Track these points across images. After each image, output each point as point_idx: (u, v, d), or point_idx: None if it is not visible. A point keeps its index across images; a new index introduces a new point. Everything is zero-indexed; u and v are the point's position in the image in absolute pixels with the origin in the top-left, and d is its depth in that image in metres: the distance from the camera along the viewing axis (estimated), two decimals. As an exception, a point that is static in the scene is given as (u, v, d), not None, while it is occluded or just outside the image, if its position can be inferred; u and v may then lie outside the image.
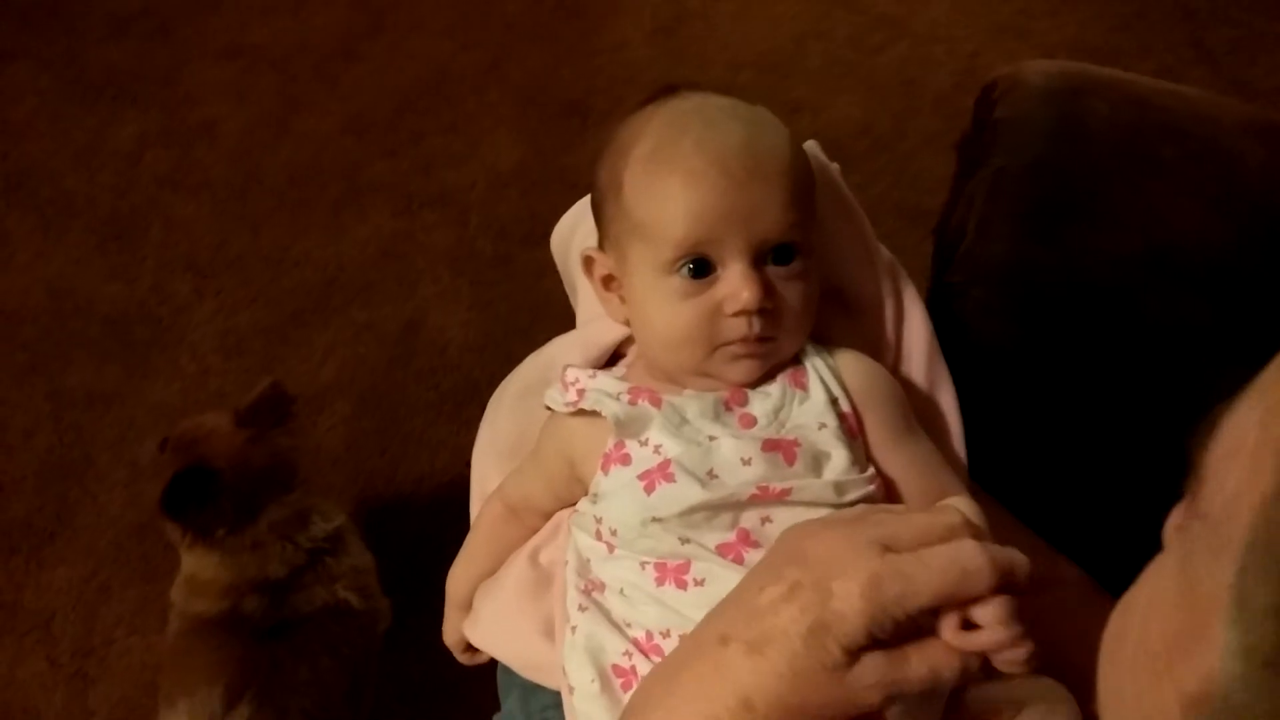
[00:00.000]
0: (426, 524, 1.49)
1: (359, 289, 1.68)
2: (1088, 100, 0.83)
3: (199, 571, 1.17)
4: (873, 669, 0.47)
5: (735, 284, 0.63)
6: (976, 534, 0.49)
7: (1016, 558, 0.47)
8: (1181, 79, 1.92)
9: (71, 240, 1.73)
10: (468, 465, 1.50)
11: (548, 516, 0.76)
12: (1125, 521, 0.75)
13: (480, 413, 1.54)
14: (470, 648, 0.81)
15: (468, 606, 0.80)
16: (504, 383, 0.85)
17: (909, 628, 0.47)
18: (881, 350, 0.76)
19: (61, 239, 1.73)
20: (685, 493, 0.61)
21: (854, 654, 0.46)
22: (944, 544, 0.48)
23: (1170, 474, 0.75)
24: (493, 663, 0.81)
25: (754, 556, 0.60)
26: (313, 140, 1.82)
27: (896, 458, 0.66)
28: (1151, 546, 0.74)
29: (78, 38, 1.94)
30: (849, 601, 0.46)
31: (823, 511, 0.62)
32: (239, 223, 1.74)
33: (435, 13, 1.97)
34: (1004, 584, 0.46)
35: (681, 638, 0.61)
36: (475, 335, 1.64)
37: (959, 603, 0.46)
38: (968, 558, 0.46)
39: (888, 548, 0.48)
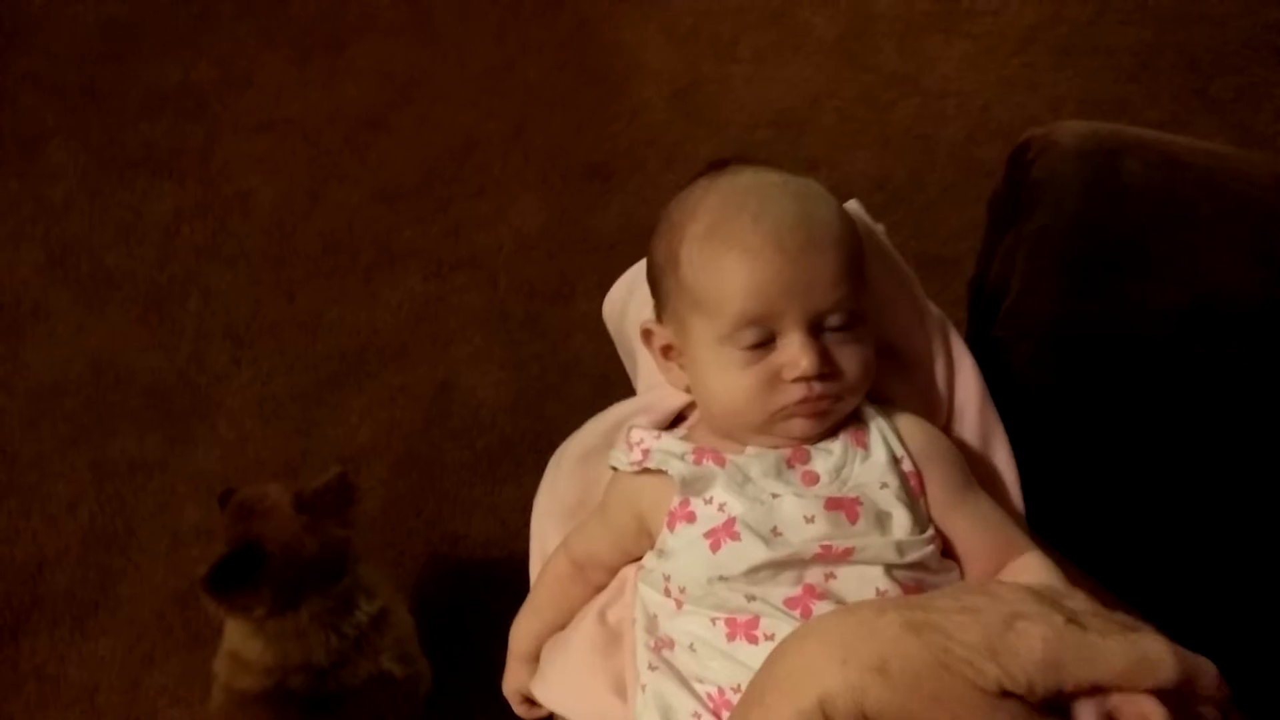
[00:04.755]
0: (464, 585, 1.51)
1: (393, 352, 1.71)
2: (1122, 160, 0.86)
3: (242, 650, 1.17)
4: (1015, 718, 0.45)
5: (794, 353, 0.66)
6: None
7: (1204, 665, 0.45)
8: (1188, 127, 1.96)
9: (112, 313, 1.76)
10: (502, 525, 1.54)
11: (613, 572, 0.77)
12: (1182, 565, 0.77)
13: (513, 471, 1.58)
14: (530, 700, 0.82)
15: (531, 659, 0.81)
16: (563, 446, 0.87)
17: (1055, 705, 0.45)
18: (935, 405, 0.78)
19: (102, 312, 1.76)
20: (750, 551, 0.63)
21: (1003, 693, 0.45)
22: (1129, 630, 0.47)
23: (1223, 517, 0.77)
24: (550, 720, 0.82)
25: (821, 608, 0.62)
26: (344, 209, 1.87)
27: (960, 516, 0.68)
28: (1209, 588, 0.76)
29: (115, 116, 1.99)
30: (1026, 640, 0.45)
31: (879, 570, 0.64)
32: (274, 291, 1.78)
33: (460, 84, 2.02)
34: (1185, 685, 0.44)
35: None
36: (507, 395, 1.66)
37: (1131, 689, 0.44)
38: (1151, 646, 0.45)
39: (1075, 621, 0.47)
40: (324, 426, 1.64)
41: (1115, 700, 0.44)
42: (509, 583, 0.87)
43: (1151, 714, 0.43)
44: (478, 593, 1.49)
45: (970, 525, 0.68)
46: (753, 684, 0.51)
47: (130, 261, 1.81)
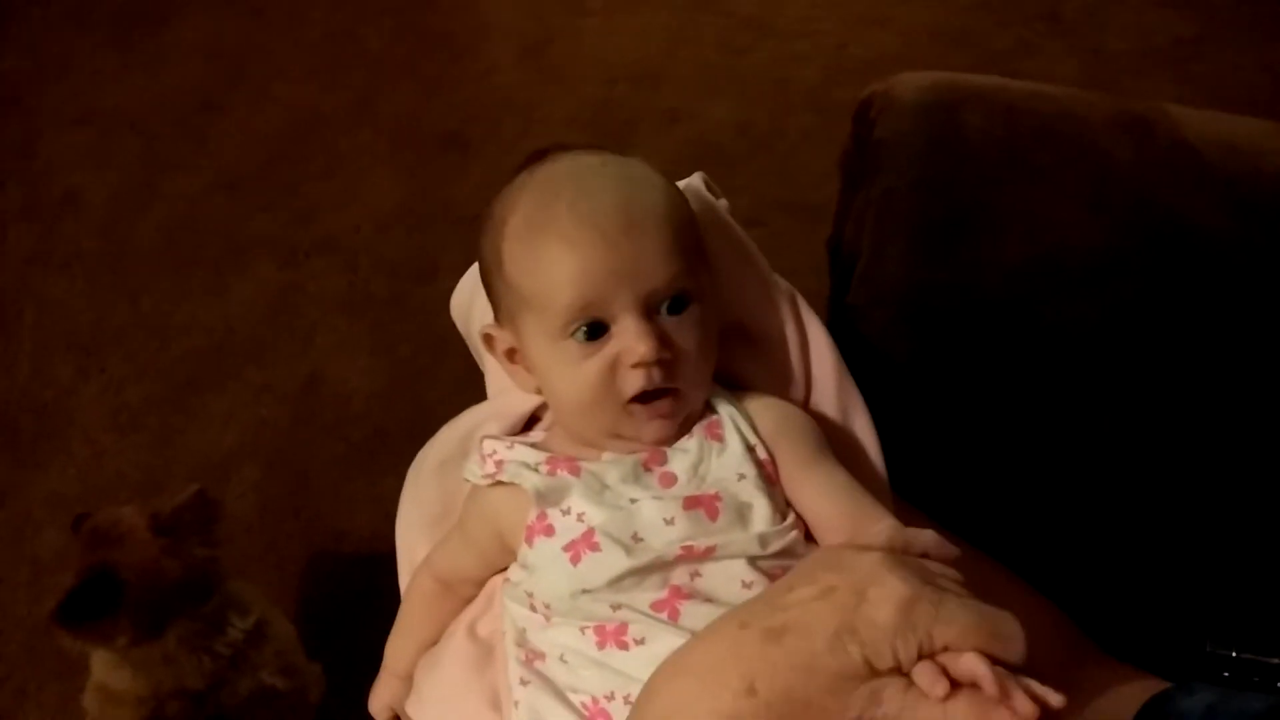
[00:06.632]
0: (350, 581, 1.46)
1: (252, 348, 1.64)
2: (961, 113, 0.86)
3: (110, 682, 1.11)
4: (890, 693, 0.45)
5: (629, 339, 0.64)
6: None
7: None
8: (1039, 50, 2.00)
9: (-62, 334, 1.64)
10: (387, 517, 1.47)
11: (481, 585, 0.75)
12: (1041, 526, 0.78)
13: (393, 462, 1.51)
14: (397, 718, 0.79)
15: (406, 676, 0.78)
16: (421, 453, 0.84)
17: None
18: (790, 381, 0.77)
19: (-73, 334, 1.64)
20: (611, 561, 0.62)
21: (875, 670, 0.45)
22: (982, 602, 0.47)
23: (1078, 470, 0.78)
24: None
25: (689, 608, 0.61)
26: (184, 200, 1.77)
27: (809, 486, 0.66)
28: (1068, 546, 0.77)
29: (-83, 118, 1.84)
30: (882, 609, 0.45)
31: (743, 563, 0.62)
32: (116, 294, 1.68)
33: (296, 56, 1.92)
34: (1026, 663, 0.46)
35: (627, 700, 0.61)
36: (379, 382, 1.61)
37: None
38: (1005, 620, 0.46)
39: (928, 583, 0.47)
40: (186, 434, 1.57)
41: (944, 658, 0.45)
42: (398, 578, 0.83)
43: (980, 674, 0.44)
44: (367, 589, 1.44)
45: (818, 494, 0.66)
46: None
47: (-48, 277, 1.69)
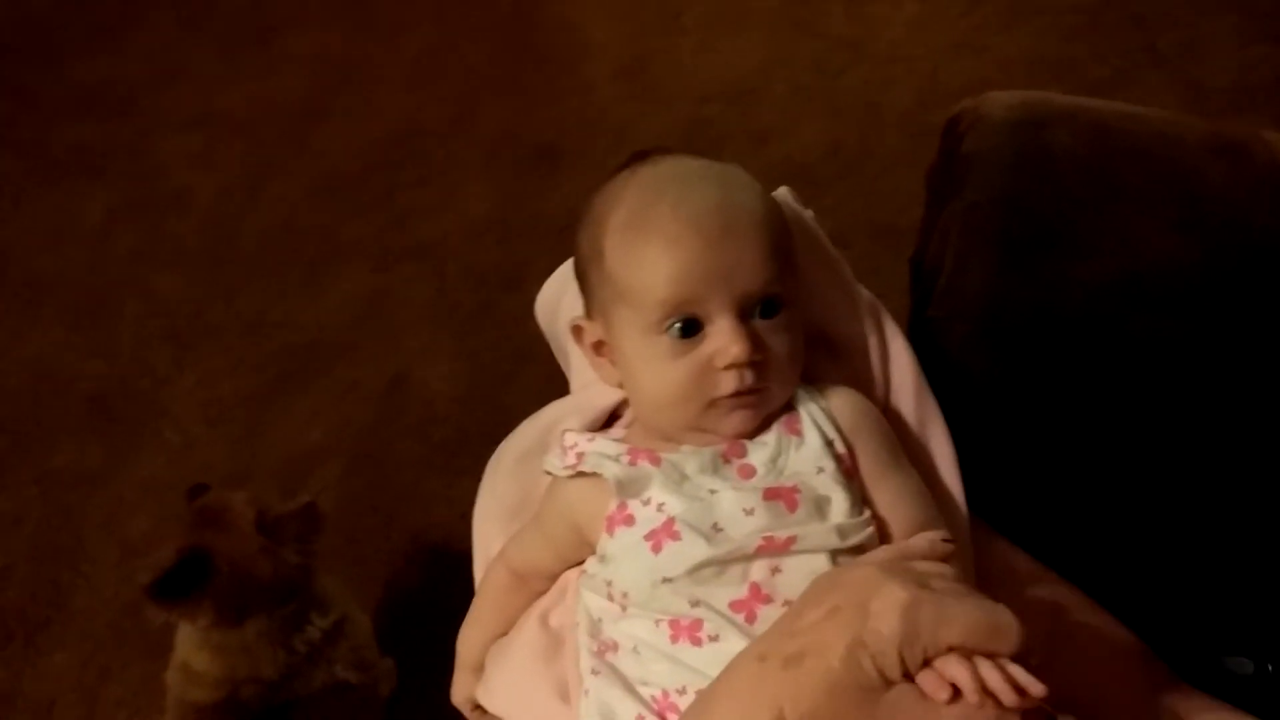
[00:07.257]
0: (426, 579, 1.49)
1: (341, 348, 1.68)
2: (1050, 131, 0.85)
3: (192, 662, 1.16)
4: (906, 704, 0.47)
5: (724, 339, 0.64)
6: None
7: (1033, 637, 0.49)
8: (1137, 83, 1.96)
9: (47, 320, 1.72)
10: (463, 517, 1.50)
11: (554, 579, 0.76)
12: (1118, 539, 0.77)
13: (471, 463, 1.53)
14: (479, 708, 0.81)
15: (478, 668, 0.80)
16: (501, 447, 0.85)
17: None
18: (870, 390, 0.77)
19: (37, 320, 1.72)
20: (692, 550, 0.62)
21: (889, 680, 0.48)
22: (979, 596, 0.49)
23: (1159, 492, 0.76)
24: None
25: (766, 612, 0.61)
26: (285, 203, 1.83)
27: (884, 490, 0.67)
28: (1143, 560, 0.75)
29: (41, 116, 1.94)
30: (885, 619, 0.48)
31: (824, 558, 0.63)
32: (215, 291, 1.74)
33: (398, 69, 1.98)
34: (1023, 651, 0.48)
35: (698, 693, 0.62)
36: (461, 386, 1.64)
37: (982, 653, 0.48)
38: (1002, 613, 0.48)
39: (924, 586, 0.49)
40: (274, 428, 1.61)
41: (937, 663, 0.48)
42: (471, 575, 0.85)
43: (959, 679, 0.47)
44: (440, 587, 1.47)
45: (893, 500, 0.67)
46: None
47: (63, 266, 1.77)
